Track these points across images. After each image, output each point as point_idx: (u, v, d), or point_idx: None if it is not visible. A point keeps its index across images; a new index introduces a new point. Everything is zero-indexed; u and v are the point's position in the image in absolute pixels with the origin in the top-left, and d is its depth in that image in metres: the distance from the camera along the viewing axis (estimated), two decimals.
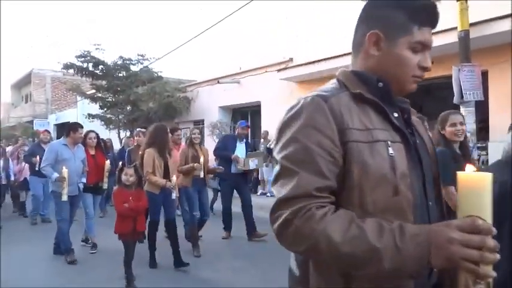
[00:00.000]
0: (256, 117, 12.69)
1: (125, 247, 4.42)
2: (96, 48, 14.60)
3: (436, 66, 7.48)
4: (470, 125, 6.45)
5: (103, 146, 6.58)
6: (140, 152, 5.92)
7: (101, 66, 14.86)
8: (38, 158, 7.33)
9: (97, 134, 6.08)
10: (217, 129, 12.29)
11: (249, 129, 13.45)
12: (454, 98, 6.65)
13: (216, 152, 6.68)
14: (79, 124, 5.71)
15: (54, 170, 5.28)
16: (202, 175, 5.82)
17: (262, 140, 11.25)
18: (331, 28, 9.68)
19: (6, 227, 7.73)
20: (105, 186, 6.04)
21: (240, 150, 6.59)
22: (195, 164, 5.66)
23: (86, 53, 14.50)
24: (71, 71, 15.17)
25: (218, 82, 13.01)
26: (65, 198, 5.19)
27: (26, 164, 8.51)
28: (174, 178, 5.05)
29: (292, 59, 10.91)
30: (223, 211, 6.60)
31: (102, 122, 15.59)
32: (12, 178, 8.89)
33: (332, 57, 9.08)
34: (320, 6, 10.36)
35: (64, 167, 5.18)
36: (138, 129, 7.17)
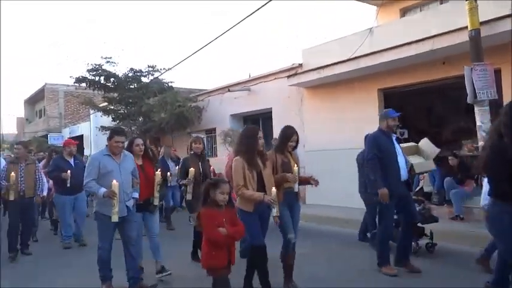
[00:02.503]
0: (268, 124, 12.70)
1: (218, 286, 3.49)
2: (107, 62, 14.82)
3: (447, 67, 7.47)
4: (486, 124, 6.37)
5: (151, 155, 5.64)
6: (227, 162, 5.64)
7: (112, 79, 15.05)
8: (68, 172, 6.88)
9: (144, 141, 5.20)
10: (230, 138, 12.32)
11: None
12: (468, 97, 6.59)
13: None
14: (118, 130, 4.73)
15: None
16: (297, 188, 4.53)
17: (274, 146, 11.23)
18: (340, 32, 9.72)
19: (42, 248, 7.17)
20: (156, 202, 5.06)
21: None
22: (288, 175, 4.40)
23: (97, 66, 14.71)
24: (83, 84, 15.41)
25: (229, 90, 13.07)
26: (115, 219, 4.28)
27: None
28: (274, 190, 3.99)
29: (301, 64, 10.92)
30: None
31: None
32: (45, 193, 7.41)
33: (342, 62, 9.07)
34: (329, 11, 10.40)
35: (114, 180, 4.27)
36: (194, 135, 6.21)
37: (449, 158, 8.09)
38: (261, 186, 4.12)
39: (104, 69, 14.80)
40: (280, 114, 11.70)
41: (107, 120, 16.30)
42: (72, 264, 6.13)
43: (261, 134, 4.28)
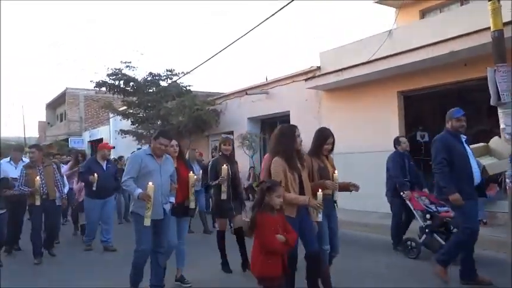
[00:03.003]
0: None
1: None
2: (127, 66, 15.03)
3: (469, 69, 7.33)
4: (509, 126, 6.23)
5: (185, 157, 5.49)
6: (263, 165, 5.38)
7: (131, 83, 15.25)
8: (96, 176, 6.74)
9: (179, 143, 5.04)
10: (247, 141, 12.34)
11: None
12: (491, 99, 6.44)
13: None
14: (164, 132, 4.65)
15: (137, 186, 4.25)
16: (337, 196, 4.27)
17: None
18: (358, 35, 9.66)
19: (65, 254, 6.91)
20: (192, 205, 4.87)
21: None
22: (328, 182, 4.09)
23: (117, 71, 14.93)
24: (103, 89, 15.66)
25: (246, 93, 13.10)
26: (147, 222, 4.10)
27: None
28: (320, 194, 3.68)
29: (319, 67, 10.87)
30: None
31: (134, 137, 15.97)
32: (65, 190, 7.21)
33: (361, 64, 9.00)
34: (346, 13, 10.36)
35: (150, 182, 4.10)
36: (224, 136, 5.86)
37: None
38: (302, 189, 3.82)
39: (123, 74, 15.02)
40: (297, 118, 11.66)
41: (126, 124, 16.51)
42: (94, 266, 6.16)
43: (298, 131, 3.95)
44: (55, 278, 5.54)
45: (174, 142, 4.84)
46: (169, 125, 14.82)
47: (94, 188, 6.74)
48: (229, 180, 5.22)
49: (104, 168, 7.06)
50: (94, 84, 15.29)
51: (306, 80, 10.67)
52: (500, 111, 6.49)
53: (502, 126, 6.49)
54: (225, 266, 5.42)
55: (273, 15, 9.51)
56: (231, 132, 14.40)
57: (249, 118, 13.64)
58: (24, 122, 36.30)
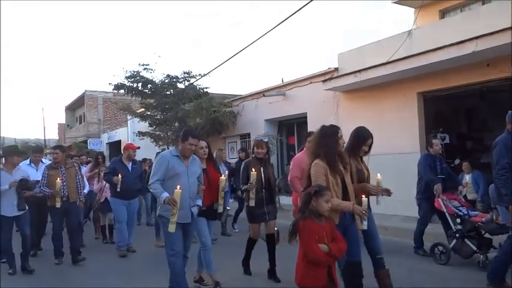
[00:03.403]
0: (303, 128, 12.63)
1: None
2: (145, 69, 15.17)
3: (491, 69, 7.17)
4: None
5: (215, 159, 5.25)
6: (292, 167, 5.07)
7: (149, 85, 15.38)
8: (120, 176, 6.59)
9: (208, 143, 4.86)
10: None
11: (295, 141, 13.56)
12: None
13: None
14: (193, 132, 4.44)
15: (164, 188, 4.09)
16: (379, 202, 4.02)
17: None
18: (377, 34, 9.56)
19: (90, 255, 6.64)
20: (221, 209, 4.71)
21: None
22: (370, 186, 3.89)
23: (135, 73, 15.09)
24: (122, 91, 15.83)
25: (263, 95, 13.10)
26: (171, 229, 3.95)
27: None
28: (365, 199, 3.44)
29: (337, 68, 10.80)
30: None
31: (152, 139, 16.11)
32: (85, 191, 7.17)
33: (380, 65, 8.90)
34: (364, 13, 10.27)
35: (178, 187, 3.93)
36: (258, 138, 5.41)
37: None
38: (346, 194, 3.56)
39: (141, 76, 15.15)
40: (315, 119, 11.60)
41: (144, 126, 16.67)
42: (112, 268, 6.14)
43: (341, 132, 3.67)
44: (76, 280, 5.58)
45: (203, 143, 4.67)
46: (186, 127, 14.91)
47: (118, 189, 6.61)
48: (262, 185, 4.97)
49: (129, 168, 6.90)
50: (112, 87, 15.46)
51: (323, 81, 10.60)
52: None
53: None
54: (247, 269, 5.31)
55: (289, 17, 9.49)
56: (248, 134, 14.42)
57: (266, 120, 13.63)
58: (44, 124, 36.78)
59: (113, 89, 15.75)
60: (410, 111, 9.05)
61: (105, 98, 28.05)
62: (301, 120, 12.59)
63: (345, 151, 3.87)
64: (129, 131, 21.02)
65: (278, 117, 13.30)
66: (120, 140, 23.65)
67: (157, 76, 15.42)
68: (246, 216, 5.17)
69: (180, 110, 14.88)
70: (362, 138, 4.08)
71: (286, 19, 9.95)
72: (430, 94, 8.98)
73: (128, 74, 15.04)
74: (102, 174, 7.62)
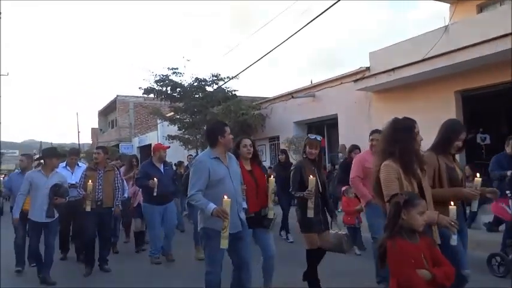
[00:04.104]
0: (333, 130, 12.32)
1: None
2: (174, 72, 15.23)
3: (499, 73, 6.59)
4: None
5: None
6: (354, 166, 4.68)
7: (178, 89, 15.43)
8: (156, 180, 6.06)
9: (253, 142, 4.30)
10: (294, 145, 12.08)
11: (325, 143, 13.25)
12: None
13: None
14: (221, 121, 4.04)
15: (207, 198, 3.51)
16: (475, 207, 3.48)
17: (340, 154, 10.84)
18: (409, 32, 9.17)
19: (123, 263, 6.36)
20: (271, 214, 4.13)
21: None
22: (467, 190, 3.23)
23: (164, 77, 15.17)
24: (151, 95, 15.96)
25: (292, 97, 12.87)
26: (224, 245, 3.36)
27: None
28: (453, 208, 2.84)
29: (368, 68, 10.45)
30: None
31: (181, 143, 16.13)
32: (125, 195, 6.68)
33: (415, 63, 8.52)
34: (395, 9, 9.89)
35: (226, 196, 3.36)
36: (312, 136, 4.59)
37: None
38: None
39: (170, 80, 15.22)
40: (346, 121, 11.29)
41: (173, 129, 16.74)
42: (147, 277, 5.75)
43: (417, 127, 3.02)
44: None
45: (247, 141, 4.18)
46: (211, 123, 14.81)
47: (155, 194, 6.08)
48: (318, 190, 4.33)
49: (162, 171, 6.41)
50: (142, 91, 15.60)
51: (355, 81, 10.28)
52: None
53: None
54: (313, 283, 4.49)
55: (317, 16, 9.25)
56: (277, 137, 14.21)
57: (295, 122, 13.39)
58: (78, 129, 37.69)
59: (143, 93, 15.90)
60: (448, 111, 8.58)
61: (136, 102, 28.50)
62: (331, 122, 12.28)
63: (432, 148, 3.27)
64: (159, 135, 21.21)
65: (307, 119, 13.03)
66: (150, 144, 23.91)
67: (186, 80, 15.47)
68: (300, 226, 4.48)
69: (209, 113, 14.84)
70: (455, 131, 3.37)
71: (314, 19, 9.71)
72: (469, 93, 8.52)
73: (157, 78, 15.15)
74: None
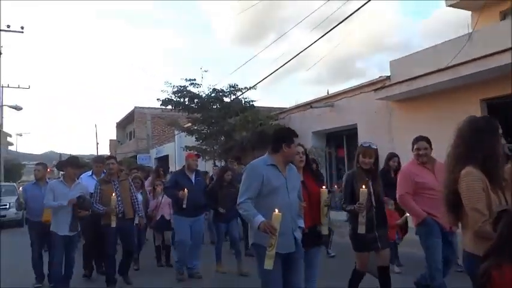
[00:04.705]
0: (353, 140, 12.12)
1: None
2: (191, 84, 15.27)
3: None
4: None
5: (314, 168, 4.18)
6: (400, 176, 4.23)
7: (196, 100, 15.46)
8: (186, 191, 5.72)
9: (305, 149, 3.98)
10: (313, 155, 11.92)
11: (344, 153, 13.04)
12: None
13: None
14: (293, 131, 3.48)
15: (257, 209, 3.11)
16: None
17: None
18: (430, 39, 9.00)
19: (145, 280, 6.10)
20: (326, 230, 3.75)
21: None
22: None
23: (182, 88, 15.22)
24: (169, 106, 16.02)
25: (311, 107, 12.75)
26: (269, 265, 2.94)
27: (166, 199, 6.77)
28: None
29: (389, 77, 10.28)
30: None
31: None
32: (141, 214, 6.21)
33: (438, 71, 8.32)
34: (417, 15, 9.73)
35: (277, 210, 2.95)
36: (365, 143, 4.27)
37: None
38: None
39: (188, 91, 15.27)
40: (366, 130, 11.08)
41: (191, 140, 16.76)
42: None
43: (500, 129, 2.56)
44: None
45: (300, 148, 3.76)
46: (232, 141, 14.82)
47: (184, 205, 5.74)
48: (371, 203, 3.96)
49: (193, 181, 6.04)
50: (160, 102, 15.67)
51: (375, 90, 10.11)
52: None
53: None
54: None
55: (336, 25, 9.14)
56: None
57: (313, 132, 13.23)
58: (97, 140, 38.18)
59: (161, 104, 15.95)
60: None
61: (153, 114, 28.71)
62: (351, 132, 12.10)
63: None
64: (177, 146, 21.27)
65: (326, 129, 12.87)
66: (167, 155, 24.01)
67: (204, 90, 15.50)
68: (352, 244, 4.12)
69: (226, 123, 14.81)
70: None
71: (331, 30, 9.61)
72: (495, 101, 8.26)
73: (175, 89, 15.21)
74: (158, 188, 7.14)
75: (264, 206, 3.11)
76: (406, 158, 10.28)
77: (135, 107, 29.77)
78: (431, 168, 4.20)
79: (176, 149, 21.42)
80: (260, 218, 3.00)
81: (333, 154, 13.28)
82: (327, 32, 8.91)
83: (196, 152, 6.61)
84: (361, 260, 4.07)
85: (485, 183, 2.33)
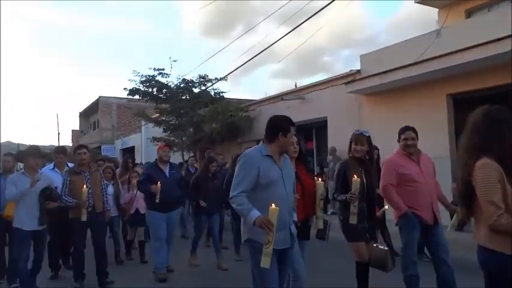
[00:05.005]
0: (322, 133, 12.25)
1: None
2: (160, 73, 14.95)
3: (491, 77, 6.66)
4: None
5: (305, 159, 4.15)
6: (386, 167, 4.08)
7: (164, 90, 15.17)
8: (159, 185, 5.45)
9: (298, 138, 3.83)
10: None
11: (313, 146, 13.17)
12: None
13: None
14: (291, 122, 3.16)
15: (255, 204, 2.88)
16: None
17: (330, 156, 10.77)
18: (402, 34, 9.17)
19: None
20: (321, 224, 3.71)
21: None
22: None
23: (150, 78, 14.88)
24: (136, 96, 15.64)
25: (282, 99, 12.76)
26: (265, 263, 2.75)
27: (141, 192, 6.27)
28: None
29: (359, 71, 10.41)
30: None
31: None
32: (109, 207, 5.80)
33: (407, 66, 8.49)
34: (386, 13, 9.89)
35: (273, 204, 2.76)
36: (358, 130, 4.16)
37: None
38: None
39: (156, 81, 14.95)
40: (335, 123, 11.22)
41: (158, 131, 16.46)
42: None
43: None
44: None
45: (294, 138, 3.49)
46: (201, 133, 14.66)
47: (157, 200, 5.45)
48: (363, 193, 3.88)
49: (167, 174, 5.76)
50: (127, 92, 15.27)
51: (346, 83, 10.22)
52: None
53: None
54: None
55: (309, 18, 9.18)
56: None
57: None
58: (58, 131, 36.86)
59: (128, 94, 15.55)
60: (440, 115, 8.61)
61: (119, 104, 28.01)
62: (320, 125, 12.21)
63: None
64: (143, 137, 20.86)
65: (296, 121, 12.74)
66: (134, 146, 23.51)
67: (173, 81, 15.22)
68: (344, 235, 4.06)
69: (196, 114, 14.63)
70: None
71: (304, 21, 9.64)
72: (461, 96, 8.53)
73: (143, 79, 14.86)
74: (133, 181, 6.75)
75: (259, 200, 2.88)
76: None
77: (100, 97, 28.95)
78: (416, 159, 4.14)
79: (143, 140, 21.00)
80: (256, 213, 2.79)
81: (303, 146, 13.36)
82: (296, 27, 8.91)
83: (166, 143, 6.22)
84: (358, 249, 3.98)
85: (501, 175, 2.25)
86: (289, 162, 3.26)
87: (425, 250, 5.67)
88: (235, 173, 3.04)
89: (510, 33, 6.83)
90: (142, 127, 21.31)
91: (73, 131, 38.09)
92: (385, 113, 9.70)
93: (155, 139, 15.95)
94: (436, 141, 8.52)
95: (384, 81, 9.03)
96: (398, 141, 4.21)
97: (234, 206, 2.94)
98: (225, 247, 7.06)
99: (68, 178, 5.17)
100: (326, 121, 11.66)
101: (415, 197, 3.96)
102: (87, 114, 34.39)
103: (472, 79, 8.03)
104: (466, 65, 7.59)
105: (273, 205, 2.74)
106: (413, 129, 4.21)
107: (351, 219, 3.77)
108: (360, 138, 3.99)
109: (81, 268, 5.22)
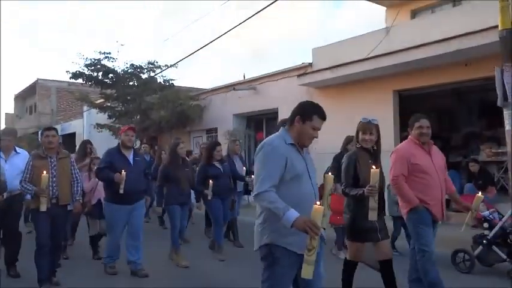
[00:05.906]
0: (272, 124, 12.35)
1: None
2: (106, 57, 14.32)
3: (470, 69, 7.09)
4: None
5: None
6: (394, 158, 3.77)
7: (110, 75, 14.57)
8: (123, 174, 4.83)
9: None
10: (233, 137, 11.92)
11: (263, 136, 13.26)
12: (498, 100, 6.28)
13: None
14: (318, 106, 2.78)
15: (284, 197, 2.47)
16: None
17: None
18: (354, 30, 9.42)
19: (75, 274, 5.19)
20: (325, 224, 2.71)
21: None
22: None
23: (95, 61, 14.21)
24: (79, 80, 14.90)
25: (234, 89, 12.68)
26: (308, 274, 2.34)
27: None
28: None
29: (311, 64, 10.58)
30: None
31: (111, 132, 15.24)
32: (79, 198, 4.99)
33: (358, 61, 8.74)
34: (340, 8, 10.09)
35: (318, 202, 2.41)
36: (365, 118, 3.78)
37: (470, 164, 7.80)
38: None
39: (102, 65, 14.31)
40: (286, 115, 11.29)
41: (103, 118, 15.79)
42: None
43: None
44: None
45: (316, 133, 2.91)
46: (149, 120, 14.26)
47: (121, 191, 4.85)
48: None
49: (131, 161, 5.14)
50: (70, 75, 14.48)
51: (298, 76, 10.34)
52: (505, 112, 6.33)
53: (507, 127, 6.34)
54: None
55: (262, 10, 9.18)
56: (215, 129, 13.95)
57: (234, 114, 13.22)
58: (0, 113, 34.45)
59: (71, 77, 14.75)
60: (386, 109, 8.96)
61: (59, 87, 26.53)
62: (271, 116, 12.31)
63: None
64: (85, 123, 19.95)
65: (247, 112, 12.93)
66: (75, 132, 22.43)
67: (120, 66, 14.64)
68: (347, 232, 3.80)
69: (144, 101, 14.20)
70: None
71: (258, 12, 9.62)
72: (407, 92, 8.94)
73: (88, 62, 14.16)
74: (94, 168, 5.84)
75: (289, 193, 2.49)
76: (325, 140, 10.71)
77: (38, 79, 27.24)
78: (428, 150, 3.88)
79: (85, 127, 20.08)
80: (294, 213, 2.35)
81: (252, 136, 13.41)
82: (246, 20, 8.89)
83: (130, 126, 5.59)
84: (355, 249, 3.73)
85: None
86: (308, 153, 2.80)
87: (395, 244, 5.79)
88: (257, 165, 2.57)
89: (453, 35, 7.24)
90: (85, 113, 20.36)
91: (7, 114, 35.65)
92: (334, 106, 9.88)
93: (99, 125, 15.33)
94: (382, 135, 8.88)
95: (336, 75, 9.24)
96: (410, 130, 3.97)
97: (263, 204, 2.48)
98: (187, 240, 6.92)
99: (31, 162, 4.57)
100: (277, 112, 11.75)
101: (426, 190, 3.74)
102: (23, 97, 32.26)
103: (417, 77, 8.42)
104: (413, 62, 7.94)
105: (318, 203, 2.38)
106: (427, 117, 3.93)
107: (370, 216, 3.43)
108: (369, 127, 3.64)
109: (45, 266, 4.58)
